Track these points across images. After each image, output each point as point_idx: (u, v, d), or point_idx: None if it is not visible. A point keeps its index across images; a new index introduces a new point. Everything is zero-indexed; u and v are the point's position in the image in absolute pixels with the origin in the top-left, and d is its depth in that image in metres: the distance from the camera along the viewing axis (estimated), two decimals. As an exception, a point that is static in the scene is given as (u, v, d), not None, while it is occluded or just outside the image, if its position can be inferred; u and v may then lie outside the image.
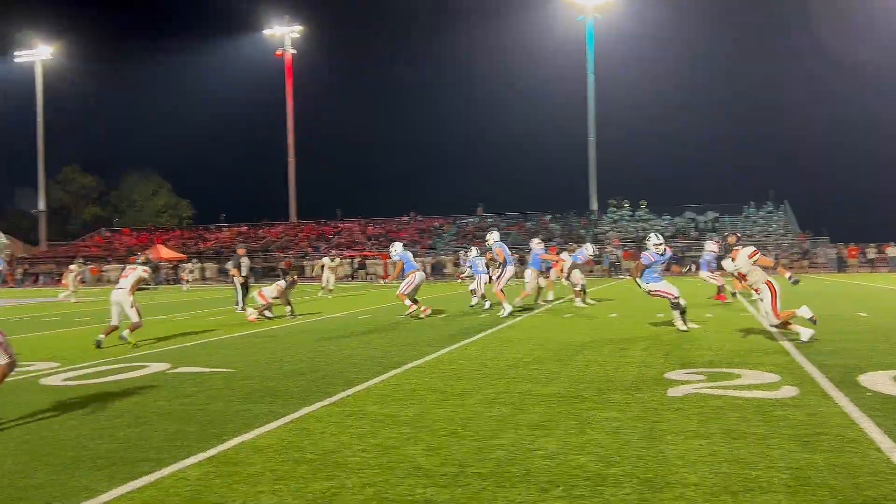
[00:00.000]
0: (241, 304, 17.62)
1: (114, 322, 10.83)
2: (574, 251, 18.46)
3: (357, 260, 45.96)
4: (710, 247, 18.12)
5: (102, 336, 10.68)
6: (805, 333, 9.10)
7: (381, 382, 7.11)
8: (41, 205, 67.03)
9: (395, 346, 9.80)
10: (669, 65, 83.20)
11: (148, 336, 12.01)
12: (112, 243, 63.04)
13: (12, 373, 6.01)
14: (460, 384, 6.91)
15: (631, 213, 52.15)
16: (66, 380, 7.72)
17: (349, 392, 6.64)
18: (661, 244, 10.78)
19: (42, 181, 66.47)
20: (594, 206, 54.54)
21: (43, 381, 7.69)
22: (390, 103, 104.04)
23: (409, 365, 8.11)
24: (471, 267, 17.36)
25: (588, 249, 18.25)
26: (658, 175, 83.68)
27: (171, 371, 8.11)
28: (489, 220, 55.80)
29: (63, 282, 21.98)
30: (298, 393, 6.69)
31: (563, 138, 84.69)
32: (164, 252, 49.30)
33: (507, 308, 14.06)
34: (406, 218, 58.34)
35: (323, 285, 25.21)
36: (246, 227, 61.88)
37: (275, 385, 7.11)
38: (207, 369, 8.17)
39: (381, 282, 18.35)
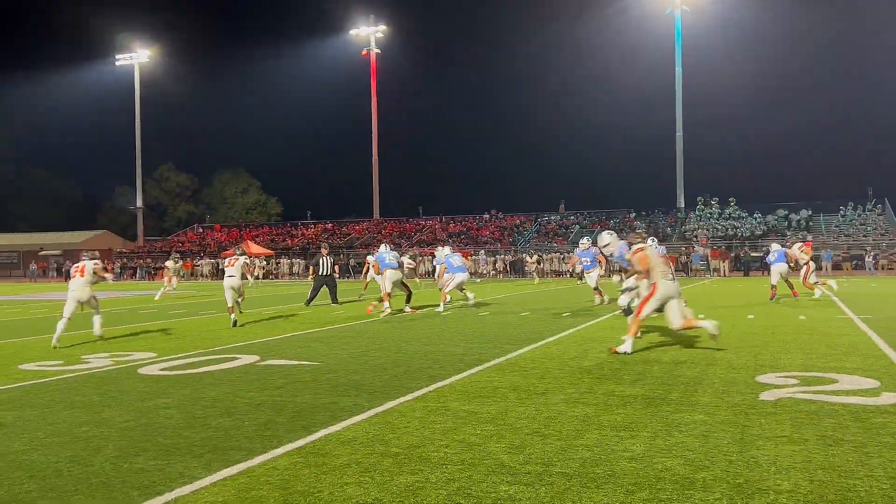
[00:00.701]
0: (309, 302, 18.09)
1: (230, 304, 13.37)
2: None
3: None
4: (776, 247, 18.21)
5: (233, 316, 13.13)
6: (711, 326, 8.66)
7: (464, 379, 7.15)
8: (139, 202, 70.03)
9: (477, 344, 9.84)
10: (759, 57, 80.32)
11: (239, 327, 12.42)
12: (204, 239, 65.37)
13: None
14: (543, 383, 6.88)
15: (719, 210, 50.59)
16: (162, 370, 8.07)
17: (432, 388, 6.71)
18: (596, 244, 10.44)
19: (139, 180, 69.38)
20: (681, 203, 53.19)
21: (141, 370, 8.06)
22: (473, 101, 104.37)
23: (491, 362, 8.13)
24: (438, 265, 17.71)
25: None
26: (748, 171, 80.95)
27: (260, 363, 8.38)
28: (571, 217, 55.21)
29: (162, 276, 22.77)
30: (382, 387, 6.80)
31: (650, 133, 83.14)
32: (254, 248, 50.84)
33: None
34: (486, 216, 58.33)
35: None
36: (331, 224, 63.16)
37: (360, 379, 7.24)
38: (295, 362, 8.40)
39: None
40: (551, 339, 10.28)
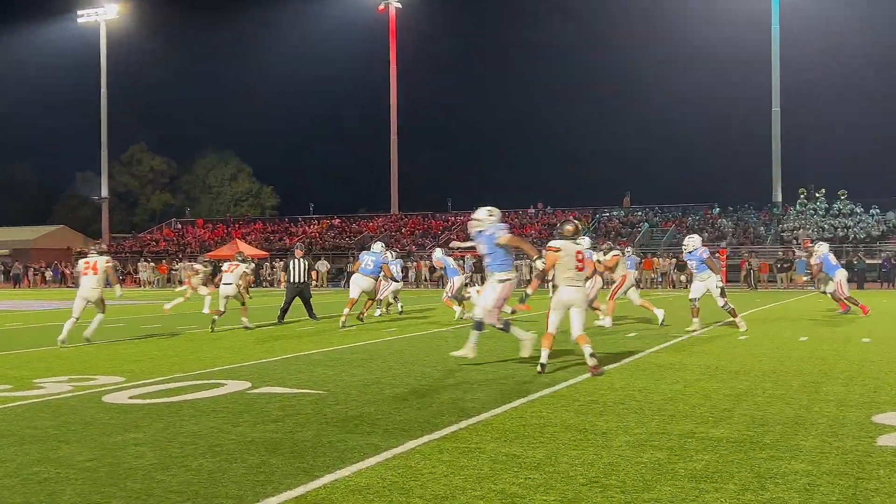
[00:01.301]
0: (281, 318, 18.02)
1: (222, 308, 15.57)
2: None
3: (472, 261, 46.25)
4: (821, 248, 19.23)
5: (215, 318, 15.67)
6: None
7: (503, 414, 7.14)
8: (104, 191, 70.83)
9: (521, 369, 9.84)
10: (870, 28, 79.18)
11: (230, 350, 12.55)
12: (184, 236, 66.16)
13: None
14: (602, 420, 6.85)
15: (826, 205, 49.93)
16: (133, 397, 8.18)
17: (463, 424, 6.71)
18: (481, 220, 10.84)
19: (105, 163, 70.22)
20: (777, 196, 52.70)
21: (107, 398, 8.18)
22: (513, 73, 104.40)
23: (537, 394, 8.12)
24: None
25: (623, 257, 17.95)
26: (862, 157, 79.86)
27: (251, 391, 8.45)
28: (638, 213, 54.98)
29: (186, 282, 22.03)
30: (402, 423, 6.82)
31: (739, 109, 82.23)
32: (244, 248, 51.14)
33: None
34: (532, 210, 58.35)
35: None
36: (338, 220, 63.59)
37: (374, 412, 7.28)
38: (294, 390, 8.46)
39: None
40: (613, 365, 10.24)
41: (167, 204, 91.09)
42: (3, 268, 59.73)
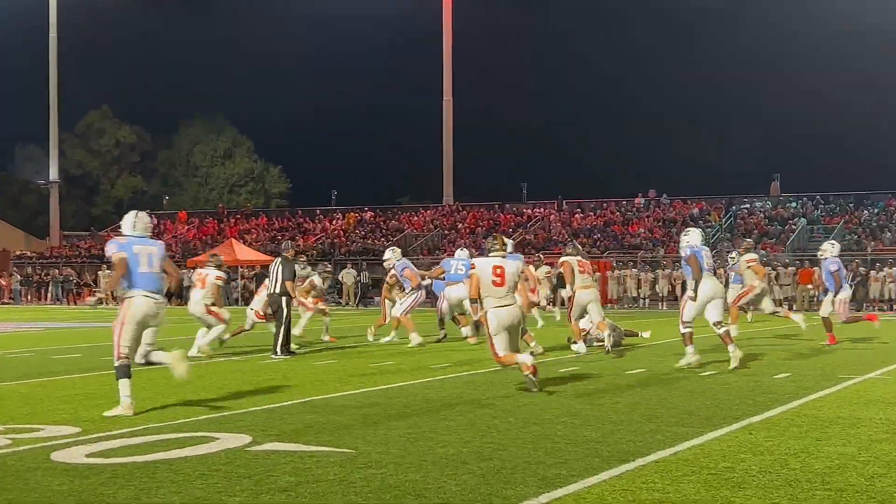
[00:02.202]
0: (276, 348, 17.94)
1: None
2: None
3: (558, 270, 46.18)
4: (830, 249, 19.80)
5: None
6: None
7: (601, 486, 7.11)
8: (52, 172, 71.79)
9: (621, 423, 9.81)
10: None
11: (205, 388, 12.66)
12: (160, 235, 66.76)
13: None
14: (741, 497, 6.79)
15: None
16: (91, 456, 8.27)
17: (544, 500, 6.70)
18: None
19: (54, 135, 71.17)
20: None
21: (57, 456, 8.28)
22: (604, 29, 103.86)
23: (648, 457, 8.05)
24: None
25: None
26: None
27: (253, 448, 8.50)
28: (791, 204, 54.31)
29: (299, 302, 21.48)
30: (460, 494, 6.81)
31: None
32: (241, 251, 51.55)
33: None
34: (640, 200, 58.03)
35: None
36: (371, 212, 63.93)
37: (420, 480, 7.29)
38: (311, 448, 8.49)
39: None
40: (756, 418, 10.14)
41: (138, 190, 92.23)
42: None
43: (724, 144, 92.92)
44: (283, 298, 18.09)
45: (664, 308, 42.87)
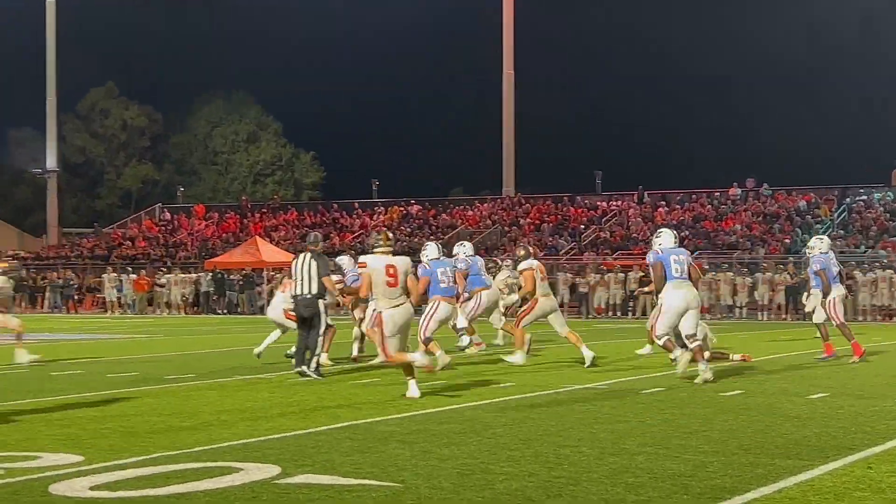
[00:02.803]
0: (309, 365, 17.60)
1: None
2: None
3: (645, 272, 45.98)
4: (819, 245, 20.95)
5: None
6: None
7: (691, 526, 7.07)
8: (51, 159, 72.33)
9: (715, 452, 9.77)
10: None
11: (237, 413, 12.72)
12: (174, 232, 67.31)
13: None
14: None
15: None
16: (95, 488, 8.33)
17: (625, 542, 6.68)
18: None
19: (53, 116, 71.73)
20: None
21: (56, 488, 8.35)
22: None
23: (747, 495, 8.00)
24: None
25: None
26: None
27: (283, 480, 8.53)
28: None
29: (345, 300, 21.75)
30: (525, 538, 6.80)
31: None
32: (267, 251, 51.66)
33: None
34: (737, 190, 57.65)
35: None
36: (417, 206, 63.96)
37: (478, 519, 7.28)
38: (350, 481, 8.52)
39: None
40: (876, 449, 10.06)
41: (148, 180, 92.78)
42: None
43: (837, 126, 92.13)
44: (320, 301, 17.73)
45: (764, 318, 42.60)
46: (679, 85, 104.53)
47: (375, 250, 14.35)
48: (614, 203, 59.61)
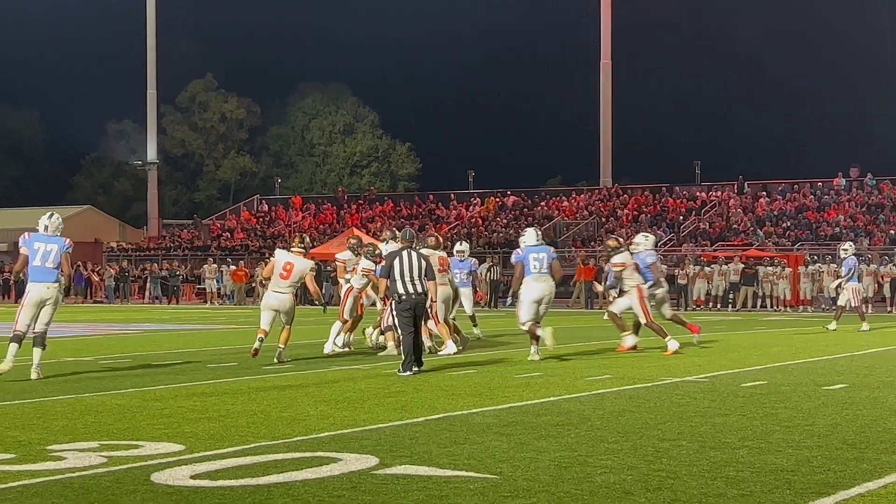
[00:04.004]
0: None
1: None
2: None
3: (746, 264, 45.62)
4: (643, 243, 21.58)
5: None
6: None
7: (794, 522, 7.00)
8: (151, 152, 73.11)
9: (818, 447, 9.69)
10: None
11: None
12: (271, 223, 67.92)
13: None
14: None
15: None
16: (196, 477, 8.43)
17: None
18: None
19: (153, 108, 72.43)
20: None
21: (158, 477, 8.46)
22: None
23: (852, 490, 7.90)
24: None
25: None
26: None
27: (380, 471, 8.57)
28: None
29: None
30: (624, 531, 6.77)
31: None
32: (367, 240, 51.87)
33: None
34: (840, 181, 56.88)
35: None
36: (513, 196, 63.90)
37: (577, 512, 7.25)
38: (447, 472, 8.54)
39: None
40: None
41: (246, 172, 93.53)
42: (-7, 269, 61.19)
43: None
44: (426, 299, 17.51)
45: (869, 310, 41.97)
46: (780, 72, 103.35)
47: (292, 250, 18.52)
48: (714, 193, 59.12)
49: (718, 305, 45.84)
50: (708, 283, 46.03)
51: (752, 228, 52.75)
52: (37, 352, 15.91)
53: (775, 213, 54.43)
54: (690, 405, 12.68)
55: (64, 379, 16.06)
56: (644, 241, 21.40)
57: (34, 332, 15.91)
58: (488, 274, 48.29)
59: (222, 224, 68.34)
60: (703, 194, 59.12)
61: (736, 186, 58.94)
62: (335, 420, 11.57)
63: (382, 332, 20.40)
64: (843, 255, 29.35)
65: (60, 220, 16.38)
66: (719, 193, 58.78)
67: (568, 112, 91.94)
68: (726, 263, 45.88)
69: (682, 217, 56.38)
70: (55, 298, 16.12)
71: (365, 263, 20.16)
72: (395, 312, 17.42)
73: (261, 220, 68.36)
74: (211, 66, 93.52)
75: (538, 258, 18.48)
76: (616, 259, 20.32)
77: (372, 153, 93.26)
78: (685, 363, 18.30)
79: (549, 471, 8.64)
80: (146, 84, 70.77)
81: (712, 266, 46.32)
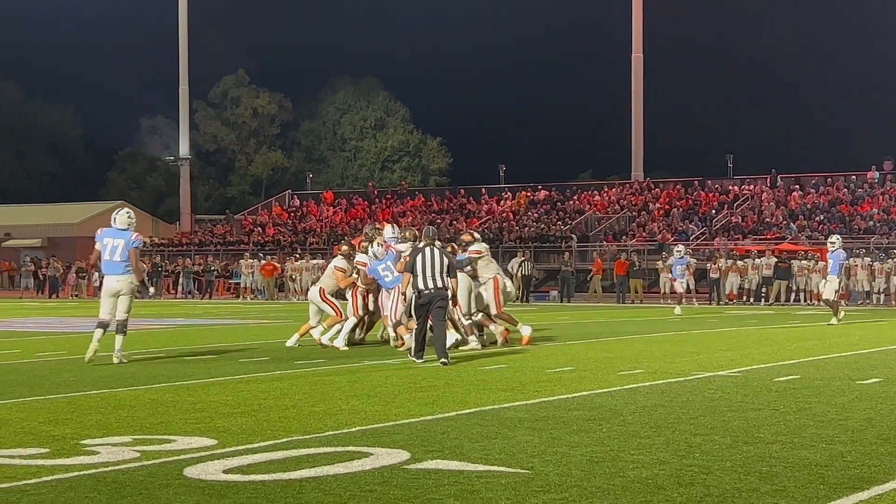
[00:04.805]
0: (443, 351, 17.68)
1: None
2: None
3: (779, 258, 45.48)
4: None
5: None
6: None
7: (828, 518, 6.97)
8: (183, 147, 73.47)
9: (852, 442, 9.65)
10: None
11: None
12: (303, 218, 68.04)
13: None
14: None
15: None
16: (229, 471, 8.47)
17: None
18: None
19: (185, 104, 72.75)
20: None
21: (190, 471, 8.49)
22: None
23: (886, 486, 7.87)
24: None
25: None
26: None
27: (412, 466, 8.58)
28: None
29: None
30: (656, 526, 6.76)
31: None
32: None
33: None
34: (874, 174, 56.57)
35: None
36: (545, 191, 63.84)
37: (609, 507, 7.25)
38: (479, 467, 8.54)
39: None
40: None
41: (278, 167, 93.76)
42: (31, 267, 61.64)
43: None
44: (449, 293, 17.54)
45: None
46: (813, 65, 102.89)
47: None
48: (746, 187, 58.89)
49: (751, 300, 45.71)
50: (740, 277, 45.91)
51: (784, 222, 52.57)
52: (118, 338, 17.50)
53: (808, 206, 54.20)
54: (723, 400, 12.66)
55: (97, 373, 16.14)
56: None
57: (117, 320, 17.45)
58: (520, 269, 48.26)
59: (254, 219, 68.61)
60: (736, 188, 58.89)
61: (769, 180, 58.75)
62: (367, 414, 11.59)
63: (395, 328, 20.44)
64: (830, 249, 29.96)
65: (130, 214, 17.56)
66: (752, 187, 58.55)
67: (599, 106, 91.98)
68: (759, 257, 45.74)
69: (714, 211, 56.20)
70: (128, 289, 17.36)
71: (360, 257, 20.99)
72: (413, 304, 17.86)
73: (292, 215, 68.53)
74: (243, 61, 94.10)
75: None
76: (472, 248, 21.00)
77: (403, 148, 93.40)
78: (718, 358, 18.26)
79: (580, 466, 8.63)
80: (178, 80, 71.17)
81: (745, 260, 46.26)
